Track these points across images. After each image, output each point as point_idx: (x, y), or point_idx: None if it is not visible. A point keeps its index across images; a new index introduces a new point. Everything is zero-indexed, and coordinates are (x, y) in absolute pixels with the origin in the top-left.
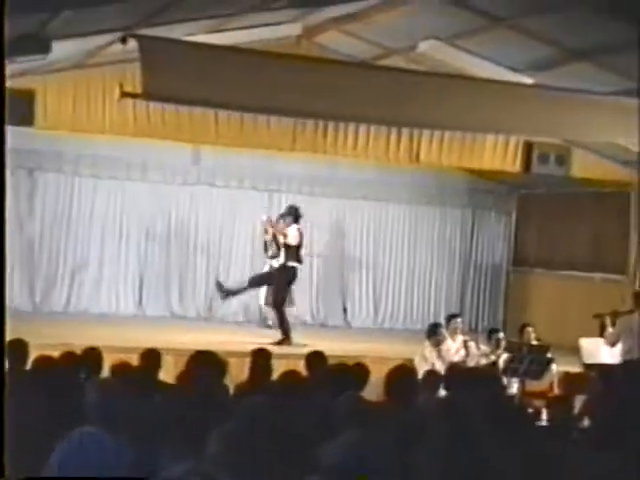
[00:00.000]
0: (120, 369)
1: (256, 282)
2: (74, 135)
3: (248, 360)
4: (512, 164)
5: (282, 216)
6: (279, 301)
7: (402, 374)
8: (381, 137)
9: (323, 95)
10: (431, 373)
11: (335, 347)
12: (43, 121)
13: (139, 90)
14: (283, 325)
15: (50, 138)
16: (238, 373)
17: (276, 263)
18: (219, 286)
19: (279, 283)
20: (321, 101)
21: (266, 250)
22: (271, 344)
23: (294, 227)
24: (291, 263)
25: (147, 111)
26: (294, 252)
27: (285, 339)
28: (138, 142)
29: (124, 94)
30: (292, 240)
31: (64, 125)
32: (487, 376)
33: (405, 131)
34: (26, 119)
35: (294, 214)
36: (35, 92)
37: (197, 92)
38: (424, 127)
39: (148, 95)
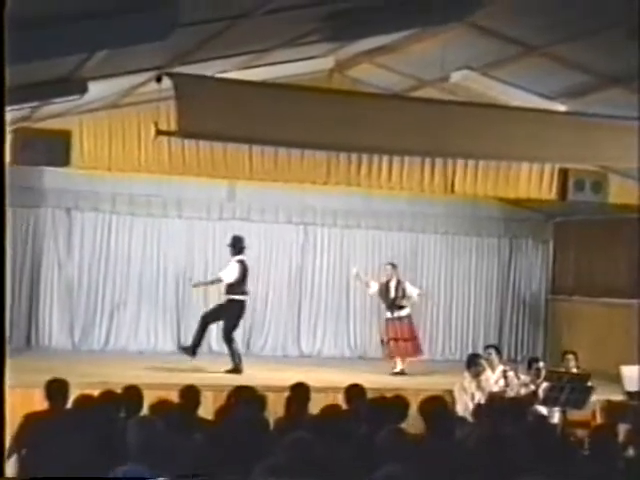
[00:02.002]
0: (160, 407)
1: (207, 319)
2: (110, 174)
3: (286, 394)
4: (548, 192)
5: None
6: (227, 334)
7: (434, 405)
8: (415, 168)
9: (357, 128)
10: (478, 407)
11: (374, 379)
12: (80, 161)
13: (174, 128)
14: (233, 357)
15: (87, 177)
16: (276, 407)
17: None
18: (183, 349)
19: (226, 317)
20: (355, 134)
21: None
22: (225, 372)
23: (233, 261)
24: (232, 297)
25: (182, 148)
26: (235, 285)
27: (236, 368)
28: (174, 179)
29: (159, 132)
30: (225, 276)
31: (100, 164)
32: (528, 406)
33: (439, 161)
34: (63, 159)
35: (236, 245)
36: (71, 132)
37: (231, 128)
38: (459, 157)
39: (183, 133)
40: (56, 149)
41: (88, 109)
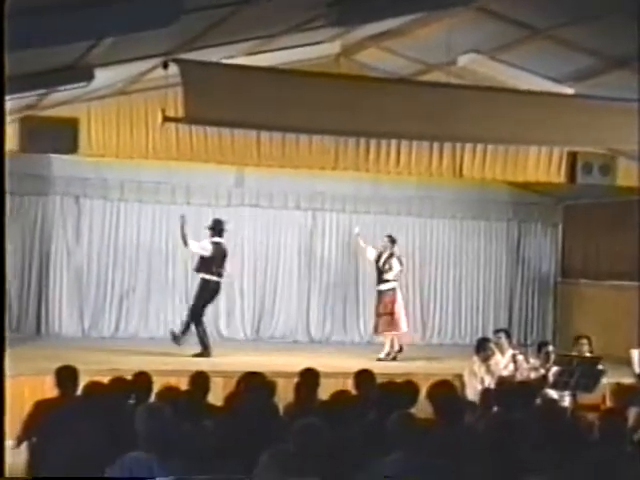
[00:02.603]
0: (169, 393)
1: (196, 307)
2: (118, 161)
3: (295, 380)
4: (556, 175)
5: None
6: (193, 313)
7: (442, 390)
8: (424, 153)
9: (364, 113)
10: (486, 391)
11: (383, 365)
12: (87, 148)
13: (181, 114)
14: (200, 339)
15: (95, 165)
16: (286, 393)
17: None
18: (173, 336)
19: (196, 295)
20: (362, 119)
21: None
22: (192, 355)
23: (206, 240)
24: (204, 276)
25: (190, 135)
26: (207, 265)
27: (204, 351)
28: (182, 166)
29: (166, 119)
30: (200, 251)
31: (108, 151)
32: (537, 390)
33: (448, 146)
34: (70, 147)
35: (215, 228)
36: (79, 120)
37: (239, 114)
38: (467, 141)
39: (190, 119)
40: (64, 137)
41: (95, 96)
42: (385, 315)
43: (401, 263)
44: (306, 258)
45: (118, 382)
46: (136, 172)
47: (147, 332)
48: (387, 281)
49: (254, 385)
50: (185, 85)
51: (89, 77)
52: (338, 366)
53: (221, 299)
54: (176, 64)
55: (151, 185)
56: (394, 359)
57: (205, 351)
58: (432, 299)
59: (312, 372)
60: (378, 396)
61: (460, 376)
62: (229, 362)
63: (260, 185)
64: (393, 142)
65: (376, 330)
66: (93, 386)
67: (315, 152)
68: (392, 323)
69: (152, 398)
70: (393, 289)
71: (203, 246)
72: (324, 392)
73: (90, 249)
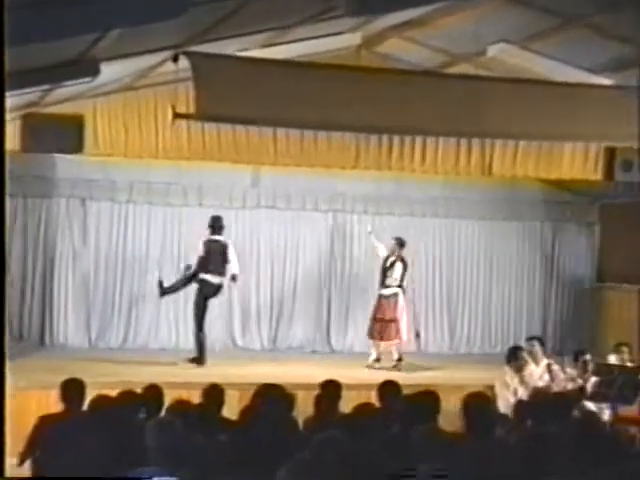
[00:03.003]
0: (182, 407)
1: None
2: (126, 161)
3: (315, 392)
4: (593, 172)
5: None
6: (194, 316)
7: (477, 402)
8: (450, 150)
9: (387, 108)
10: (519, 404)
11: (408, 375)
12: (94, 148)
13: (193, 110)
14: (196, 342)
15: (102, 165)
16: (306, 406)
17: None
18: (161, 286)
19: (195, 298)
20: (385, 114)
21: None
22: (189, 361)
23: (202, 239)
24: (201, 276)
25: (202, 133)
26: (203, 264)
27: (197, 358)
28: (194, 166)
29: (177, 115)
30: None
31: (116, 151)
32: (574, 402)
33: (476, 142)
34: (75, 146)
35: (213, 225)
36: (84, 117)
37: (253, 109)
38: (497, 137)
39: (202, 115)
40: (68, 135)
41: (101, 92)
42: (382, 322)
43: (406, 268)
44: (326, 263)
45: (127, 395)
46: (145, 172)
47: (157, 343)
48: (389, 286)
49: (272, 398)
50: (196, 79)
51: (95, 72)
52: (361, 378)
53: (235, 307)
54: (186, 57)
55: (161, 186)
56: (397, 369)
57: (200, 357)
58: (460, 305)
59: (333, 384)
60: (402, 408)
61: (491, 387)
62: (245, 373)
63: (277, 185)
64: (418, 139)
65: (371, 335)
66: (100, 400)
67: (335, 150)
68: (388, 331)
69: (163, 412)
70: (395, 295)
71: (199, 248)
72: (346, 405)
73: (97, 254)
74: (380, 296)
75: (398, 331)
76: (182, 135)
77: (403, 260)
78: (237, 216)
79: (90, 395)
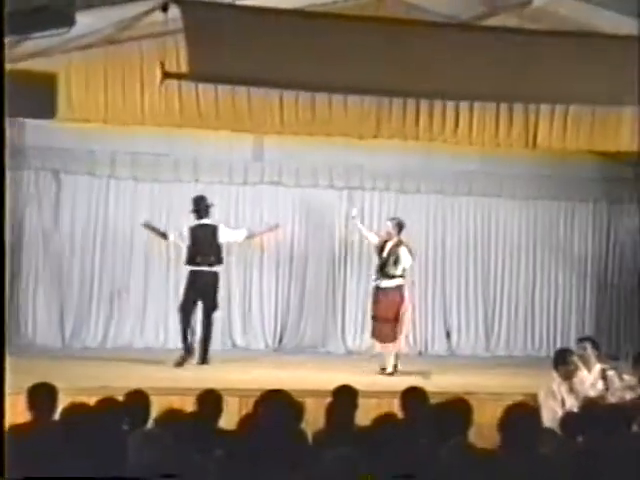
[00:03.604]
0: (172, 417)
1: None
2: (107, 128)
3: (328, 400)
4: None
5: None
6: (180, 310)
7: (518, 413)
8: (488, 118)
9: (414, 67)
10: (568, 416)
11: (438, 381)
12: (68, 112)
13: (185, 69)
14: (185, 339)
15: (78, 133)
16: (316, 416)
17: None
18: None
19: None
20: (412, 75)
21: None
22: (174, 365)
23: (185, 226)
24: (189, 267)
25: (196, 95)
26: (191, 254)
27: (184, 357)
28: (187, 135)
29: (167, 75)
30: (178, 242)
31: (94, 116)
32: (634, 414)
33: (519, 109)
34: (47, 110)
35: (197, 208)
36: (57, 76)
37: (257, 68)
38: (543, 102)
39: (196, 75)
40: (39, 97)
41: (78, 46)
42: (385, 321)
43: (412, 255)
44: (341, 249)
45: (107, 403)
46: (130, 142)
47: (143, 342)
48: (392, 277)
49: (277, 406)
50: (188, 32)
51: (70, 22)
52: (381, 383)
53: (234, 301)
54: (177, 5)
55: (149, 158)
56: (390, 374)
57: (186, 356)
58: (498, 300)
59: (349, 390)
60: (429, 419)
61: (534, 396)
62: (246, 378)
63: (284, 158)
64: (449, 104)
65: (374, 335)
66: (76, 408)
67: (352, 116)
68: (392, 332)
69: (150, 423)
70: (399, 287)
71: (178, 235)
72: (363, 415)
73: (72, 238)
74: (377, 289)
75: (395, 333)
76: (173, 98)
77: (406, 245)
78: (238, 194)
79: (63, 402)
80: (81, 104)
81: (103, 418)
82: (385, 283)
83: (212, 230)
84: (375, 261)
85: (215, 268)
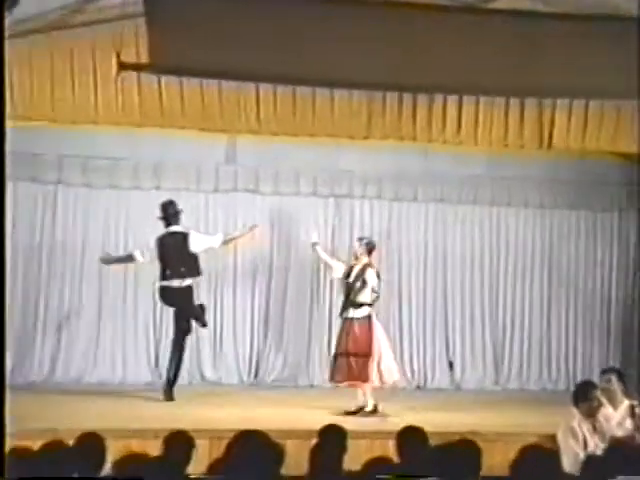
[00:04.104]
0: (132, 462)
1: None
2: (55, 128)
3: (312, 442)
4: None
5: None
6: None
7: (538, 458)
8: (496, 114)
9: (410, 56)
10: (591, 459)
11: (438, 418)
12: (9, 109)
13: (145, 59)
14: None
15: (20, 133)
16: (298, 460)
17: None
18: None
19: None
20: (408, 65)
21: None
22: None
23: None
24: (159, 283)
25: (158, 90)
26: (161, 268)
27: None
28: (148, 135)
29: (123, 66)
30: (142, 258)
31: (40, 113)
32: None
33: (531, 104)
34: None
35: (165, 215)
36: None
37: (229, 58)
38: (560, 96)
39: (158, 66)
40: None
41: (20, 31)
42: (352, 356)
43: (379, 279)
44: (326, 267)
45: (55, 447)
46: (82, 144)
47: (96, 375)
48: (360, 305)
49: (253, 449)
50: (149, 17)
51: (11, 3)
52: (373, 423)
53: (203, 329)
54: None
55: (104, 163)
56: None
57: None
58: (509, 324)
59: (337, 430)
60: (430, 464)
61: (552, 437)
62: (217, 416)
63: (260, 161)
64: (452, 99)
65: (332, 378)
66: (17, 453)
67: (340, 114)
68: (364, 370)
69: (106, 470)
70: (368, 317)
71: (146, 251)
72: (353, 459)
73: (13, 255)
74: (345, 320)
75: (369, 369)
76: (131, 93)
77: (374, 268)
78: (207, 202)
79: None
80: (25, 100)
81: (49, 464)
82: (352, 313)
83: (182, 238)
84: (341, 289)
85: (187, 281)
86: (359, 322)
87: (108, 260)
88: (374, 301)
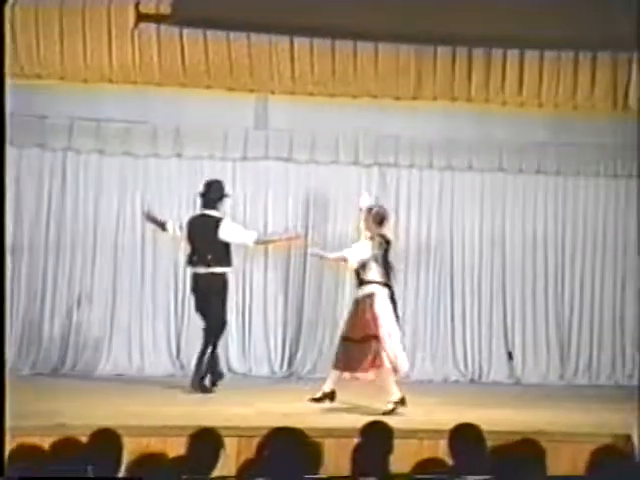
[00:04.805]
0: (150, 462)
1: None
2: (64, 87)
3: (354, 441)
4: None
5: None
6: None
7: (612, 461)
8: (563, 70)
9: (464, 6)
10: None
11: (496, 416)
12: (14, 66)
13: (165, 10)
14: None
15: (26, 93)
16: (338, 461)
17: None
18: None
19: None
20: (461, 15)
21: None
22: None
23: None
24: (189, 269)
25: (180, 44)
26: (190, 253)
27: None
28: (167, 95)
29: (141, 17)
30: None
31: (48, 71)
32: None
33: (604, 58)
34: None
35: (204, 193)
36: None
37: (258, 9)
38: (636, 50)
39: (179, 17)
40: None
41: None
42: (356, 342)
43: (387, 252)
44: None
45: (66, 445)
46: (93, 105)
47: (112, 365)
48: (367, 283)
49: (287, 449)
50: None
51: None
52: (423, 419)
53: (230, 313)
54: None
55: (118, 126)
56: (390, 412)
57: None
58: (576, 312)
59: (381, 428)
60: (488, 466)
61: (627, 437)
62: (246, 413)
63: (294, 125)
64: (512, 53)
65: (340, 362)
66: (26, 451)
67: (385, 71)
68: (358, 355)
69: (122, 470)
70: (370, 296)
71: (178, 227)
72: (400, 460)
73: (18, 228)
74: (354, 302)
75: (377, 355)
76: (150, 48)
77: (382, 241)
78: (234, 172)
79: (9, 445)
80: (31, 55)
81: (61, 464)
82: (356, 292)
83: (214, 223)
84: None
85: (216, 269)
86: (363, 303)
87: (149, 217)
88: (384, 278)
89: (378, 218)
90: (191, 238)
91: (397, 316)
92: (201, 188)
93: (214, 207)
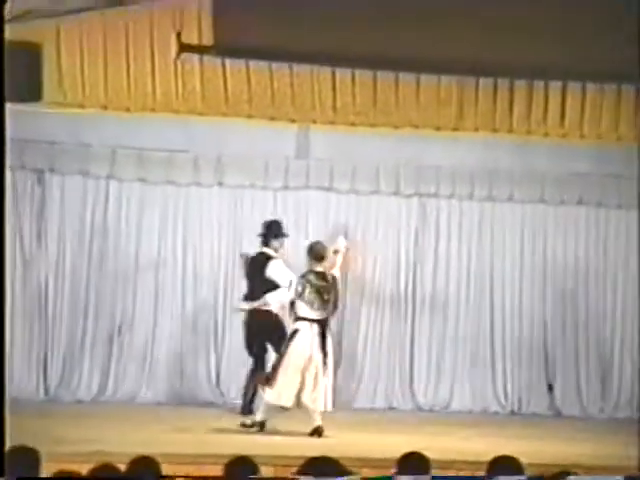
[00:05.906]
0: None
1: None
2: (106, 116)
3: (392, 471)
4: None
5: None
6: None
7: None
8: (606, 102)
9: (507, 38)
10: None
11: (535, 447)
12: (57, 94)
13: (208, 40)
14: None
15: (69, 121)
16: None
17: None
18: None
19: None
20: (504, 45)
21: None
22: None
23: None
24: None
25: (222, 73)
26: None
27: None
28: (210, 125)
29: (184, 47)
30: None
31: (90, 100)
32: None
33: None
34: (29, 91)
35: (264, 232)
36: (42, 48)
37: (300, 39)
38: None
39: (222, 48)
40: (18, 74)
41: (70, 10)
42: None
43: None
44: (410, 276)
45: (105, 472)
46: (136, 134)
47: (152, 393)
48: (296, 319)
49: (322, 477)
50: None
51: None
52: (461, 450)
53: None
54: None
55: (160, 155)
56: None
57: (249, 419)
58: (617, 342)
59: (418, 458)
60: None
61: None
62: (285, 442)
63: (335, 155)
64: (554, 85)
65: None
66: (65, 477)
67: (426, 101)
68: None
69: None
70: (295, 332)
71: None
72: None
73: (60, 258)
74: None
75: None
76: (192, 77)
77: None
78: (275, 202)
79: (48, 471)
80: (73, 84)
81: None
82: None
83: (265, 259)
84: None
85: (246, 305)
86: (290, 337)
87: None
88: (317, 314)
89: (313, 254)
90: (246, 272)
91: (325, 352)
92: (262, 227)
93: (271, 246)
